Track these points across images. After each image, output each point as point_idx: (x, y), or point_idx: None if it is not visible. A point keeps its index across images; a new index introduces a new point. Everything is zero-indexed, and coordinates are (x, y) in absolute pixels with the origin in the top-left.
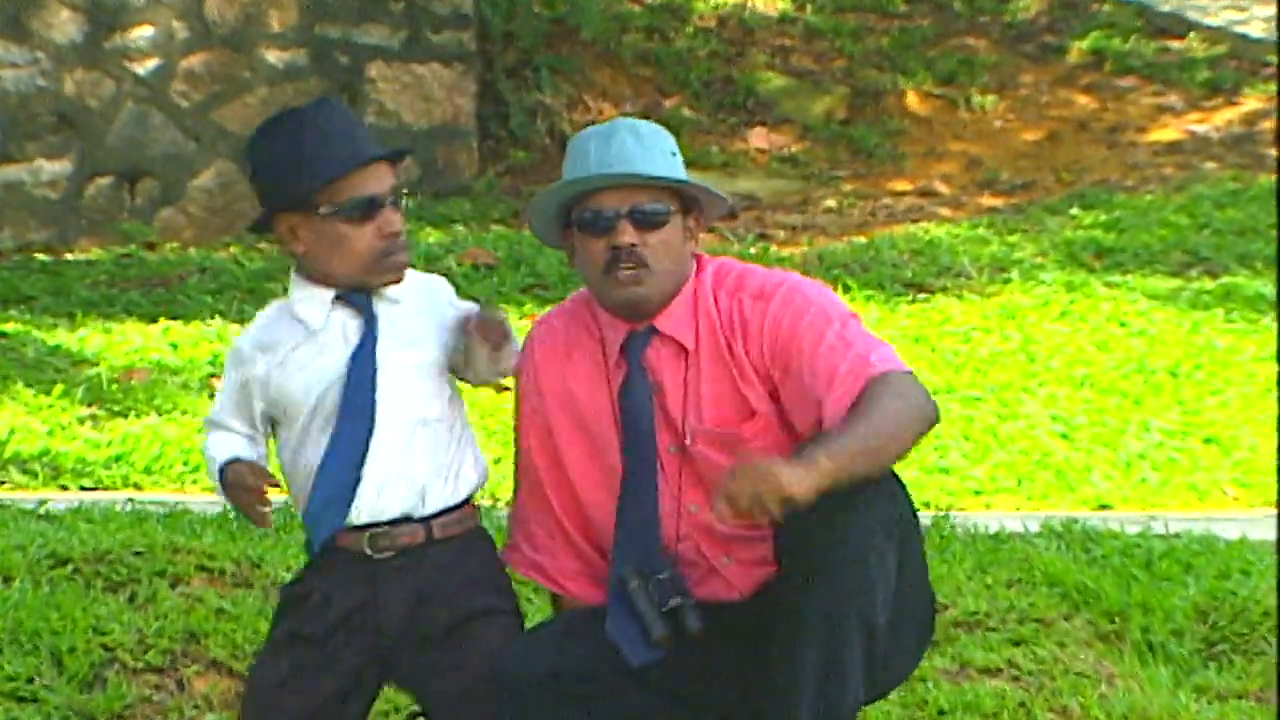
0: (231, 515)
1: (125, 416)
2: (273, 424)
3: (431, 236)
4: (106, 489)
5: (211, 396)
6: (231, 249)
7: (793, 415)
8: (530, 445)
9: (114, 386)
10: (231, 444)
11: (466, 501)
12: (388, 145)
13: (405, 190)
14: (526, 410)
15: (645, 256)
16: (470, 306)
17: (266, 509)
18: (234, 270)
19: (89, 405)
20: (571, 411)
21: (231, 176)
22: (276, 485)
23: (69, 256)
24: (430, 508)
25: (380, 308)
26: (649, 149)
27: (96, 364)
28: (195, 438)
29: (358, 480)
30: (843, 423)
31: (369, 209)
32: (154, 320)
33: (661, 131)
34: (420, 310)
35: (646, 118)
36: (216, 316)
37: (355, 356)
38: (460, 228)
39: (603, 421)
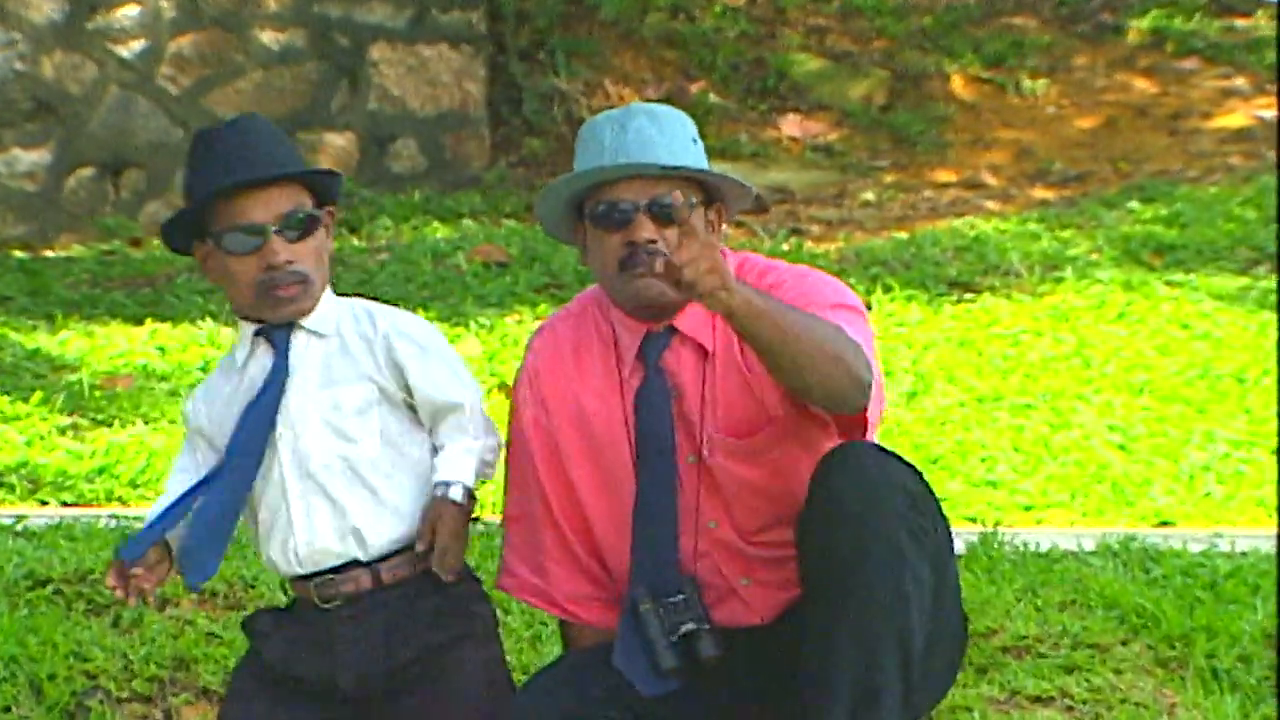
0: None
1: (109, 426)
2: None
3: (439, 232)
4: (89, 504)
5: None
6: None
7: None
8: (535, 463)
9: (97, 394)
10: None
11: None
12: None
13: (308, 214)
14: (529, 425)
15: (665, 254)
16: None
17: (123, 593)
18: None
19: (70, 414)
20: (580, 423)
21: None
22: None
23: (48, 254)
24: (375, 551)
25: (299, 342)
26: (668, 136)
27: (78, 369)
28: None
29: (232, 527)
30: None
31: (249, 237)
32: (140, 322)
33: (681, 116)
34: (351, 343)
35: (670, 103)
36: (207, 318)
37: (258, 396)
38: (469, 223)
39: (615, 432)
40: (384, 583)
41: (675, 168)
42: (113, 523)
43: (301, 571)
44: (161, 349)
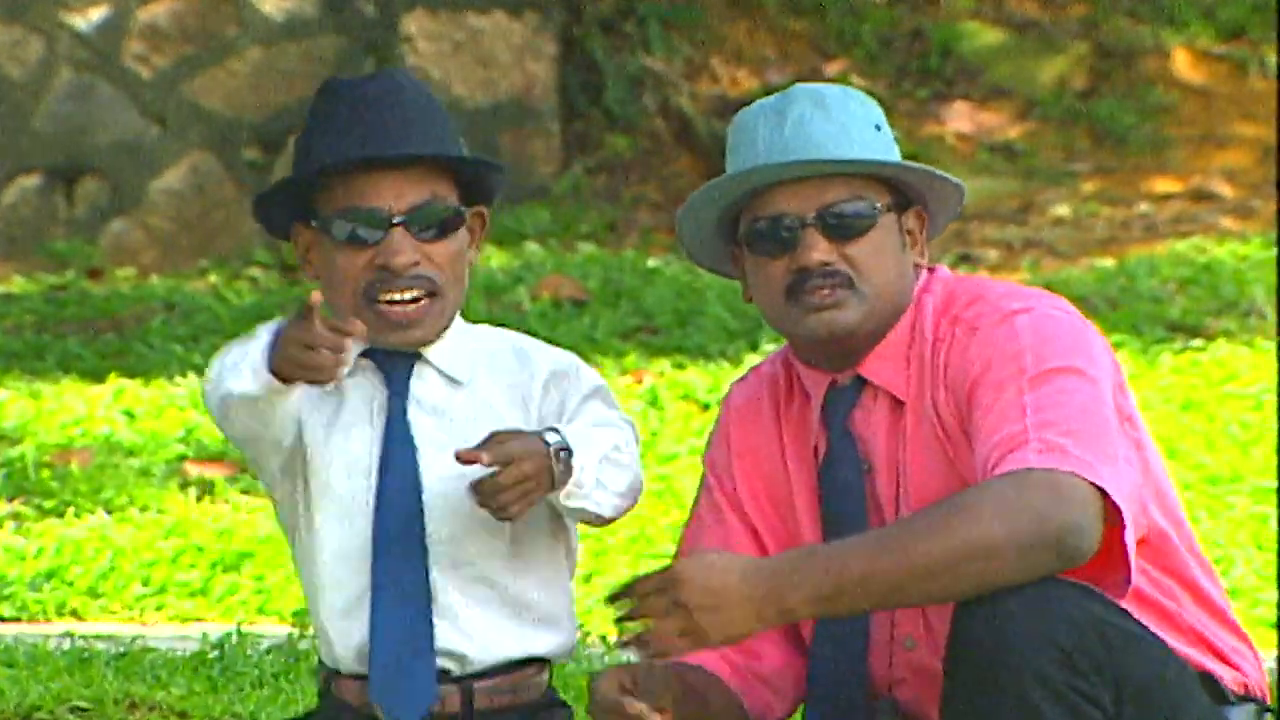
0: (211, 656)
1: (60, 515)
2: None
3: (494, 259)
4: (34, 619)
5: (183, 487)
6: (210, 277)
7: None
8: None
9: (45, 473)
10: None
11: (532, 664)
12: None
13: (448, 208)
14: (703, 507)
15: (847, 275)
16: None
17: (334, 363)
18: (213, 307)
19: (10, 499)
20: (775, 503)
21: (210, 175)
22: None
23: None
24: (473, 665)
25: (423, 384)
26: (842, 123)
27: (19, 441)
28: (160, 545)
29: (430, 640)
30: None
31: (364, 227)
32: (101, 379)
33: (858, 97)
34: (496, 397)
35: None
36: (189, 373)
37: (385, 464)
38: (534, 247)
39: (806, 515)
40: (476, 708)
41: (846, 161)
42: (65, 643)
43: (366, 671)
44: (129, 414)
